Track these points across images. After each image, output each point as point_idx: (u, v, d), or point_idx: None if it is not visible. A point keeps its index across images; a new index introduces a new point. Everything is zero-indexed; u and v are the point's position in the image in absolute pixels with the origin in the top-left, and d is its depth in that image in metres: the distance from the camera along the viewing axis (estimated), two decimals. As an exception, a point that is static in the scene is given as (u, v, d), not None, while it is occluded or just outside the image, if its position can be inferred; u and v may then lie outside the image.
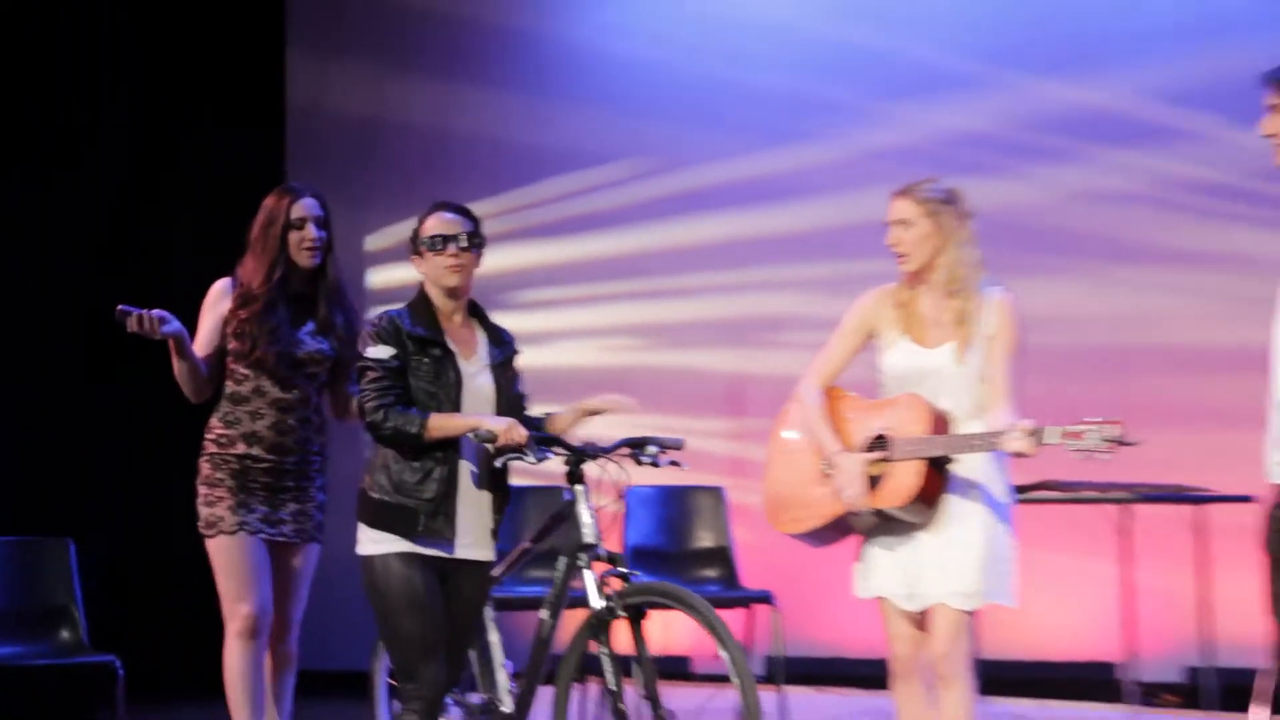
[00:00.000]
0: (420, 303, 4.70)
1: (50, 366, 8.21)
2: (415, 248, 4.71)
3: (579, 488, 4.80)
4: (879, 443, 4.61)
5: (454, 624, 4.64)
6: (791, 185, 8.61)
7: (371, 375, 4.57)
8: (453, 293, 4.68)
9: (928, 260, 4.70)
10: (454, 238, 4.65)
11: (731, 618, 5.32)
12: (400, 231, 8.53)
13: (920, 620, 4.67)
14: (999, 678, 6.89)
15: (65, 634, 6.35)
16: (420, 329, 4.62)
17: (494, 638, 4.98)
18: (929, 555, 4.60)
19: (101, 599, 7.22)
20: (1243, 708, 6.67)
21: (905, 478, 4.52)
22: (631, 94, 8.74)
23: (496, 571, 4.84)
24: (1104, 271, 8.20)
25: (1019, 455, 4.37)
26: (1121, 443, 4.25)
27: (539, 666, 4.86)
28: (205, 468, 5.29)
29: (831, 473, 4.65)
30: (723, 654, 4.55)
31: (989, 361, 4.62)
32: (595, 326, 8.80)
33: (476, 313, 4.79)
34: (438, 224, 4.68)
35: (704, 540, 7.46)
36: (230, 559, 5.23)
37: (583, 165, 8.85)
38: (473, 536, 4.61)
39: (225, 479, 5.24)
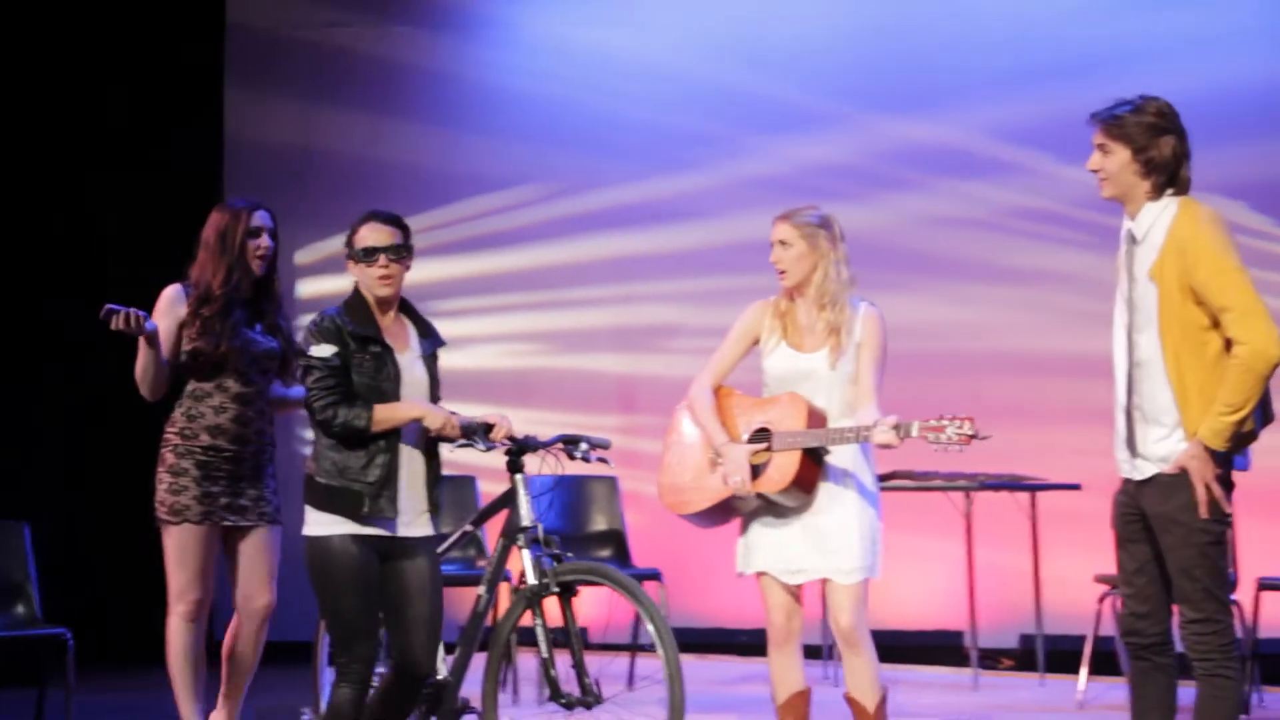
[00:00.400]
0: (356, 302, 4.56)
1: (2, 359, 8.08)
2: (349, 252, 4.58)
3: (519, 476, 4.82)
4: (761, 435, 4.73)
5: (415, 598, 4.51)
6: (675, 208, 8.77)
7: (317, 374, 4.44)
8: (383, 299, 4.58)
9: (804, 276, 4.80)
10: (386, 249, 4.53)
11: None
12: (327, 248, 8.55)
13: (797, 593, 4.79)
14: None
15: (20, 609, 6.21)
16: (359, 327, 4.50)
17: None
18: (810, 535, 4.73)
19: (54, 577, 7.08)
20: (1068, 669, 6.77)
21: (784, 466, 4.66)
22: (534, 127, 8.81)
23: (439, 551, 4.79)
24: (947, 288, 8.34)
25: (885, 446, 4.54)
26: (973, 437, 4.42)
27: (475, 636, 4.87)
28: (169, 457, 5.23)
29: (719, 461, 4.74)
30: (648, 626, 4.66)
31: (858, 366, 4.77)
32: (502, 333, 8.79)
33: (405, 307, 4.71)
34: (370, 234, 4.55)
35: (599, 524, 7.49)
36: (188, 546, 5.15)
37: (490, 189, 8.88)
38: (412, 514, 4.53)
39: (190, 468, 5.17)
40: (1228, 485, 4.09)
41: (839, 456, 4.72)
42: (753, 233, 8.79)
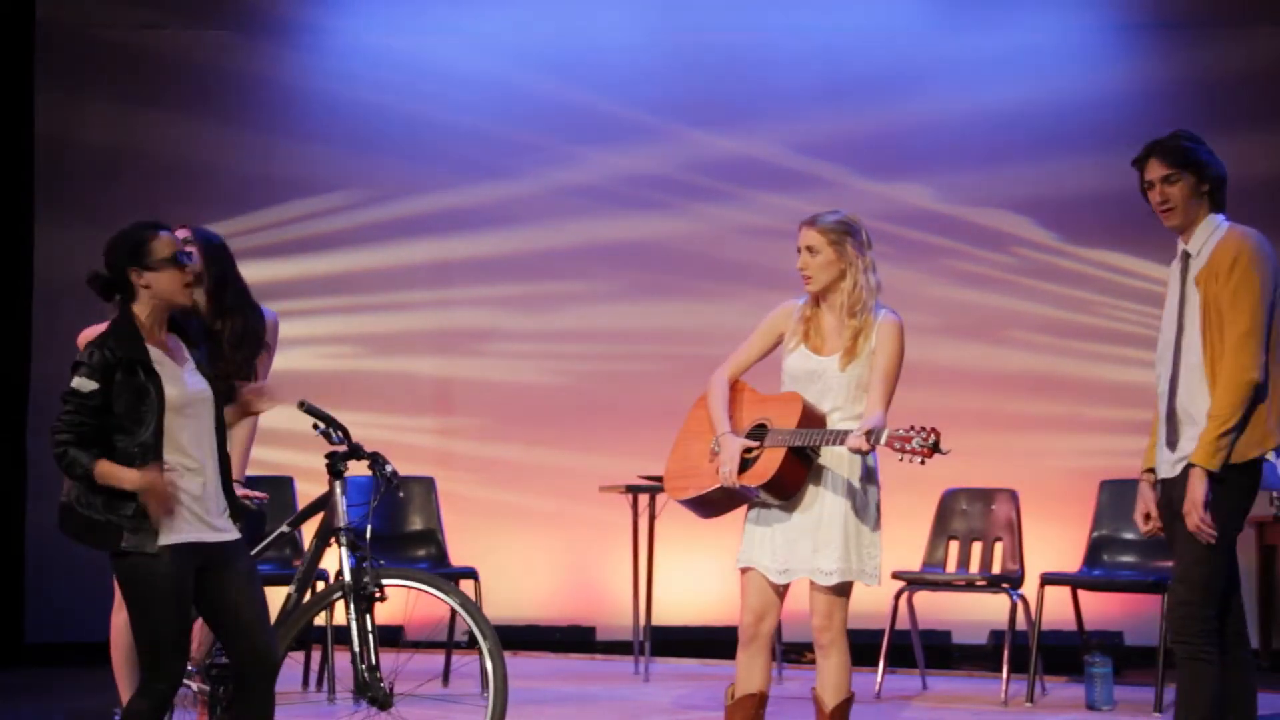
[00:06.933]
0: (127, 326, 4.21)
1: None
2: (144, 264, 4.19)
3: (338, 481, 4.84)
4: (760, 430, 4.69)
5: (246, 603, 4.32)
6: (492, 215, 8.84)
7: (70, 408, 4.14)
8: (173, 309, 4.27)
9: (829, 283, 4.74)
10: (189, 254, 4.31)
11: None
12: (140, 250, 8.25)
13: (778, 595, 4.74)
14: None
15: None
16: (129, 354, 4.17)
17: None
18: (798, 534, 4.66)
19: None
20: (868, 662, 6.89)
21: (768, 462, 4.61)
22: (352, 133, 8.78)
23: (255, 551, 4.75)
24: (754, 295, 8.44)
25: (856, 452, 4.49)
26: (935, 450, 4.33)
27: (284, 636, 4.80)
28: None
29: (717, 450, 4.69)
30: (472, 626, 4.72)
31: (870, 372, 4.67)
32: (318, 336, 8.68)
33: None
34: (168, 242, 4.22)
35: (416, 524, 7.46)
36: None
37: (307, 194, 8.80)
38: (223, 521, 4.36)
39: None
40: (1250, 495, 4.30)
41: (834, 459, 4.64)
42: (567, 239, 8.89)
